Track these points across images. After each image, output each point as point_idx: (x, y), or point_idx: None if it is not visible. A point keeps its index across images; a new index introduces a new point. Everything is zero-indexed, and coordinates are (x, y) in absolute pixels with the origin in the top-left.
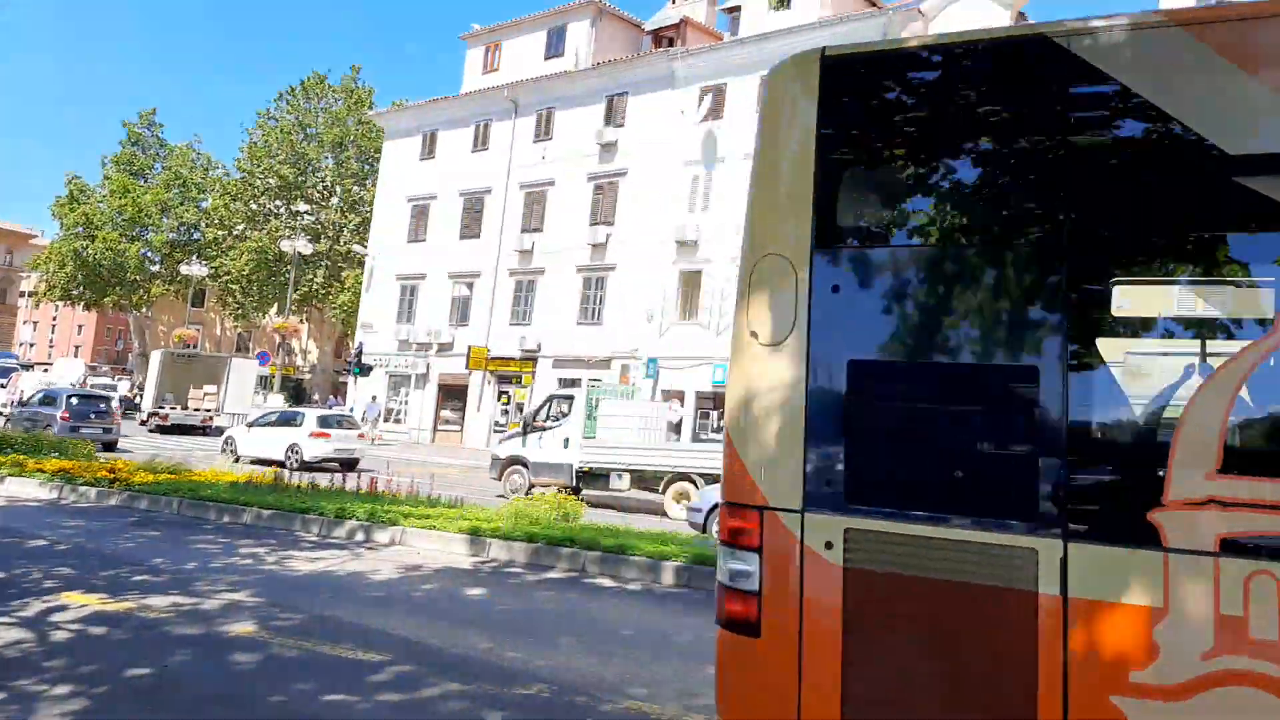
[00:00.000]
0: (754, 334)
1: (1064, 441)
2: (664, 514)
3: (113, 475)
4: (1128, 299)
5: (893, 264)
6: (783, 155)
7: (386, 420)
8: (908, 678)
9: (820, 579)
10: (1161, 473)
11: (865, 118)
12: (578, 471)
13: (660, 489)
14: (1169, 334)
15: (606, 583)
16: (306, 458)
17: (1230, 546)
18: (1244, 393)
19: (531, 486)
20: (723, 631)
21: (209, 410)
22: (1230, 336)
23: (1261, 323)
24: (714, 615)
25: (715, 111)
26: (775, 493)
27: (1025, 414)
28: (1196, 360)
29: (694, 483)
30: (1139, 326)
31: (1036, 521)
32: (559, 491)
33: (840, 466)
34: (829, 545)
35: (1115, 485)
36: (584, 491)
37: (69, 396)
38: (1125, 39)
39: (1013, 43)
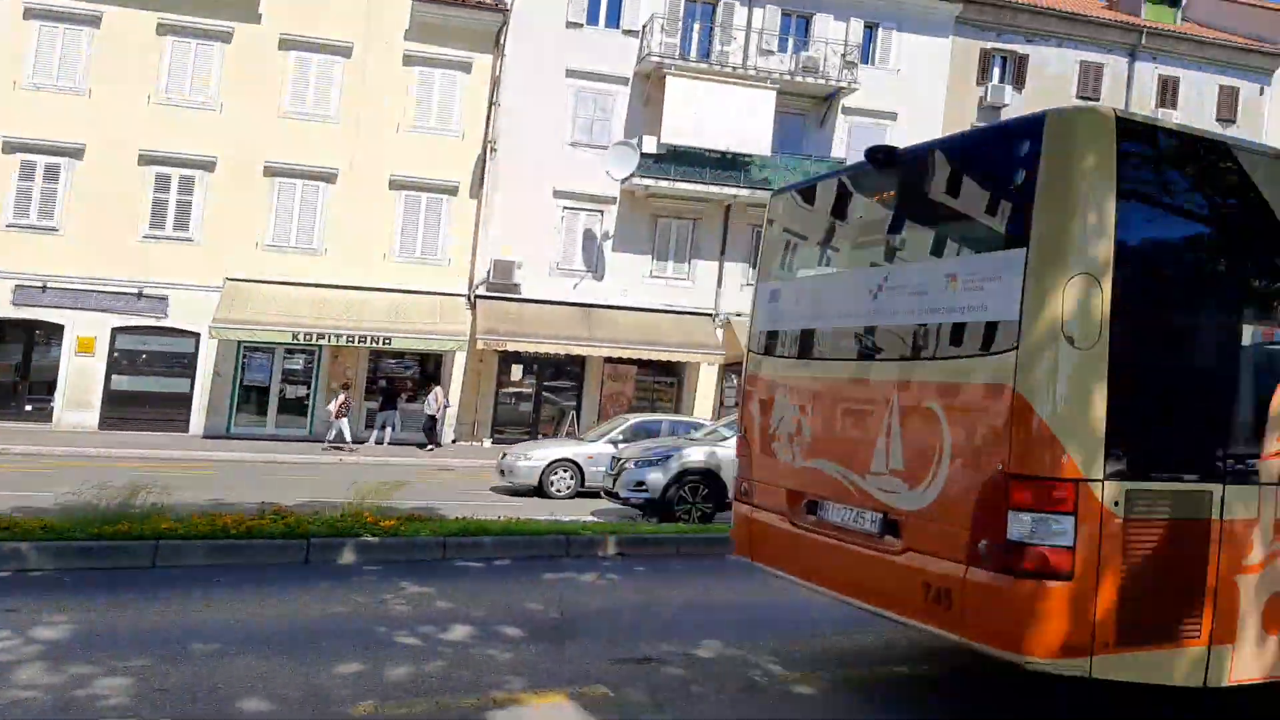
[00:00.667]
0: (1069, 339)
1: (1227, 425)
2: None
3: None
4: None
5: (1185, 286)
6: (1078, 195)
7: None
8: (1160, 590)
9: (1111, 530)
10: (1261, 439)
11: (1156, 178)
12: None
13: None
14: None
15: None
16: None
17: None
18: None
19: None
20: (1018, 580)
21: None
22: None
23: None
24: None
25: None
26: (1088, 469)
27: (1211, 412)
28: None
29: None
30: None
31: (1214, 475)
32: None
33: (1126, 448)
34: (1116, 504)
35: (1245, 450)
36: None
37: None
38: None
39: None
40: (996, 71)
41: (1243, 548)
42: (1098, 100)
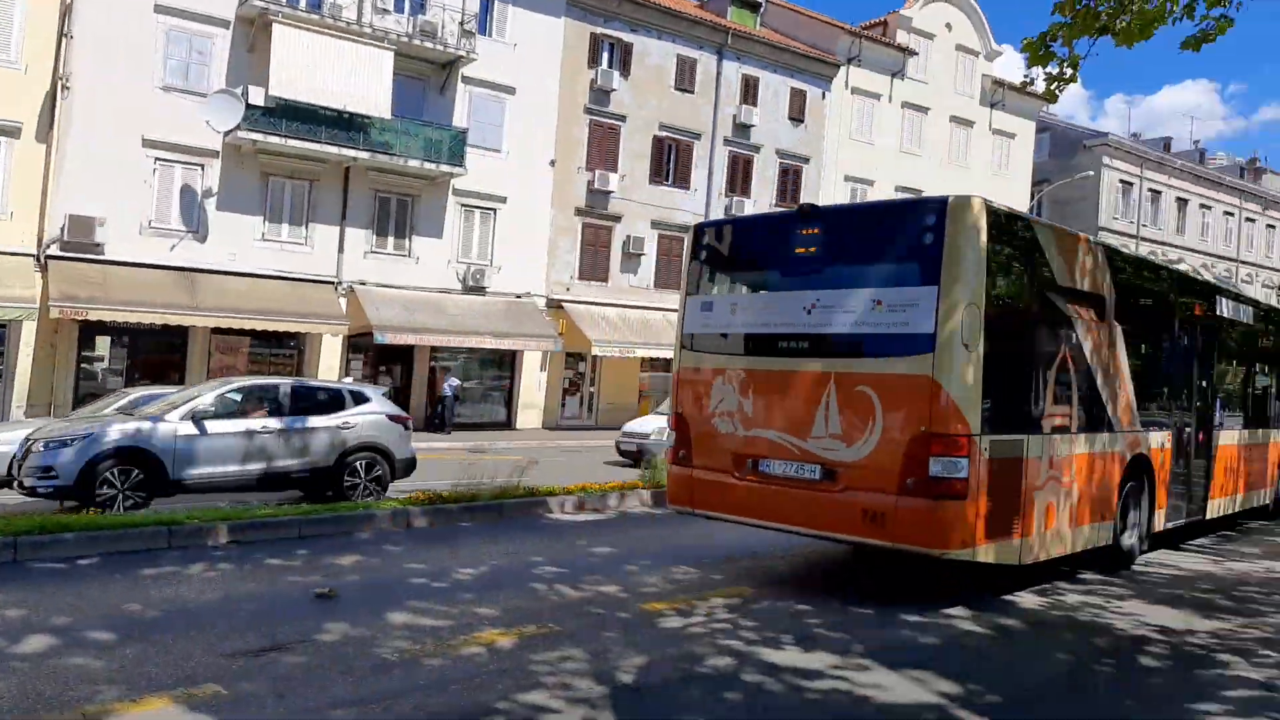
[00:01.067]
0: (965, 345)
1: (1033, 399)
2: None
3: None
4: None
5: (1019, 313)
6: (969, 255)
7: None
8: (1003, 504)
9: (984, 467)
10: (1045, 406)
11: (1005, 244)
12: None
13: None
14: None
15: None
16: None
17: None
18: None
19: None
20: (937, 501)
21: None
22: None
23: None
24: None
25: None
26: (974, 428)
27: (1025, 391)
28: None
29: None
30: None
31: (1024, 429)
32: None
33: (990, 413)
34: (984, 450)
35: (1038, 413)
36: None
37: None
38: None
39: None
40: (606, 56)
41: (1035, 475)
42: (693, 92)
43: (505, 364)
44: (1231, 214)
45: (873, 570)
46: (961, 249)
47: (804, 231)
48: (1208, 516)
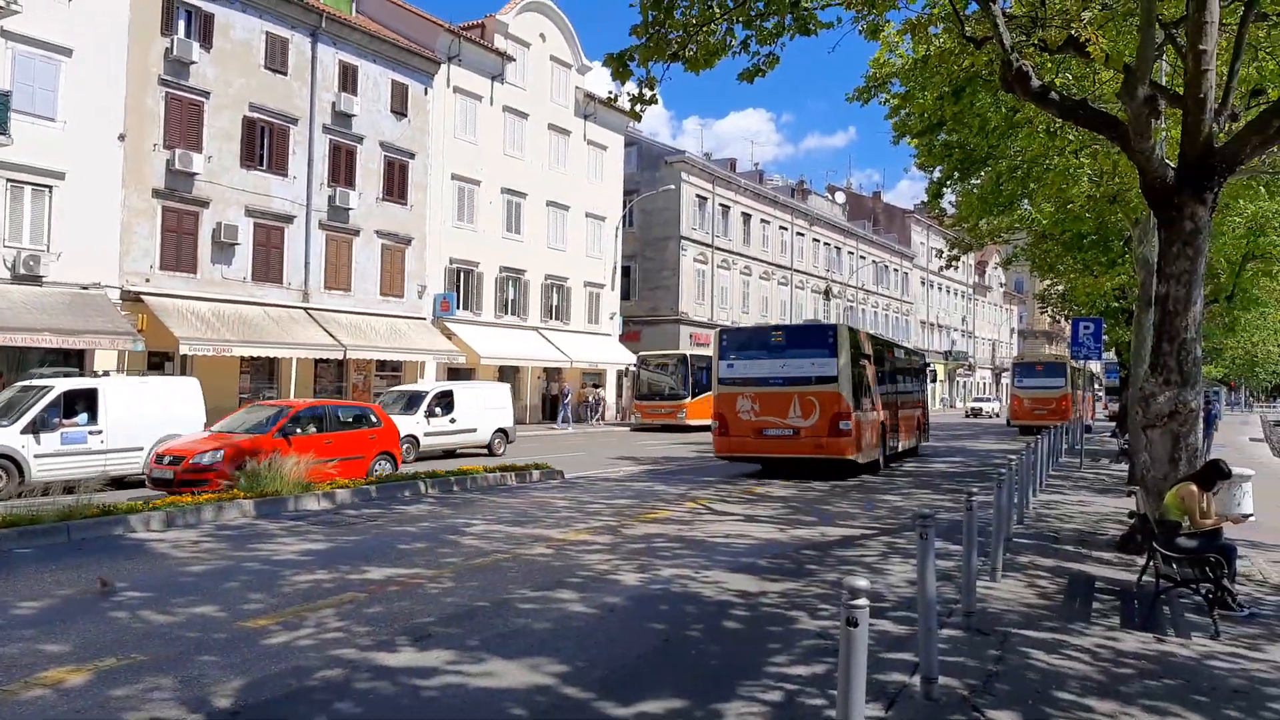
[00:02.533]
0: (846, 376)
1: (865, 390)
2: None
3: None
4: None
5: (854, 365)
6: (843, 344)
7: None
8: (863, 436)
9: (855, 420)
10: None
11: (855, 341)
12: None
13: None
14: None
15: None
16: None
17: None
18: None
19: None
20: (842, 437)
21: None
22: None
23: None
24: None
25: None
26: (851, 409)
27: (863, 391)
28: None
29: None
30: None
31: (861, 409)
32: None
33: (853, 404)
34: (854, 413)
35: (862, 401)
36: None
37: None
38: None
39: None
40: (182, 24)
41: (863, 427)
42: (286, 74)
43: (72, 365)
44: (785, 228)
45: (497, 566)
46: (840, 342)
47: (775, 335)
48: (901, 448)
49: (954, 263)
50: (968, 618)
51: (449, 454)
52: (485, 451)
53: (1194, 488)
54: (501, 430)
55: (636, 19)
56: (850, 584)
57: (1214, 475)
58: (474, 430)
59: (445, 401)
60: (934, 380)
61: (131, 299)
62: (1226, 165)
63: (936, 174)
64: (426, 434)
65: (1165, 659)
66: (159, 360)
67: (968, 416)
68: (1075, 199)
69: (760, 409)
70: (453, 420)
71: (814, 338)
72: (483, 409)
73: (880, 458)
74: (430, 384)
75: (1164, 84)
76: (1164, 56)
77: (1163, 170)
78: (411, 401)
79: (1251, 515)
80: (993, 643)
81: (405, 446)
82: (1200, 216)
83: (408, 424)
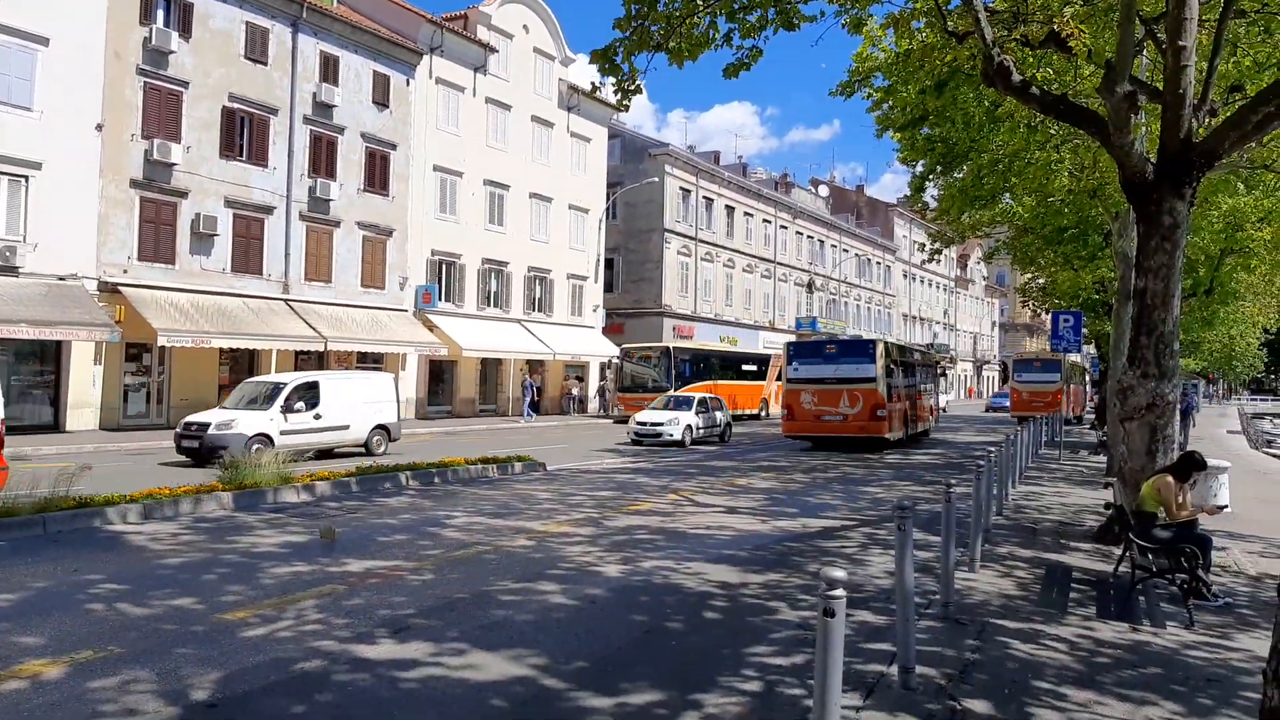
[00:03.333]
0: (882, 377)
1: (899, 385)
2: None
3: None
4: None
5: (889, 370)
6: (880, 354)
7: None
8: (896, 418)
9: (889, 408)
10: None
11: (887, 350)
12: None
13: None
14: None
15: None
16: None
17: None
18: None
19: None
20: (880, 421)
21: None
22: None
23: None
24: None
25: None
26: (886, 401)
27: (900, 389)
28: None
29: None
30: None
31: (892, 400)
32: None
33: (887, 397)
34: (890, 403)
35: (891, 395)
36: None
37: None
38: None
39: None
40: (161, 14)
41: (893, 414)
42: (266, 64)
43: (49, 357)
44: (769, 221)
45: (478, 558)
46: (877, 353)
47: (829, 347)
48: (919, 430)
49: (936, 256)
50: (946, 608)
51: (324, 455)
52: (363, 451)
53: (1170, 479)
54: (382, 427)
55: (620, 12)
56: (827, 575)
57: (1190, 467)
58: (345, 427)
59: (309, 394)
60: (944, 375)
61: (109, 290)
62: (1205, 160)
63: (919, 168)
64: (284, 432)
65: (1141, 648)
66: (137, 352)
67: (987, 411)
68: (1056, 193)
69: (818, 401)
70: (318, 416)
71: (858, 349)
72: (358, 403)
73: (904, 435)
74: (292, 375)
75: (1144, 79)
76: (1144, 52)
77: (1142, 165)
78: (271, 395)
79: (1227, 507)
80: (971, 633)
81: (256, 447)
82: (1179, 211)
83: (258, 421)
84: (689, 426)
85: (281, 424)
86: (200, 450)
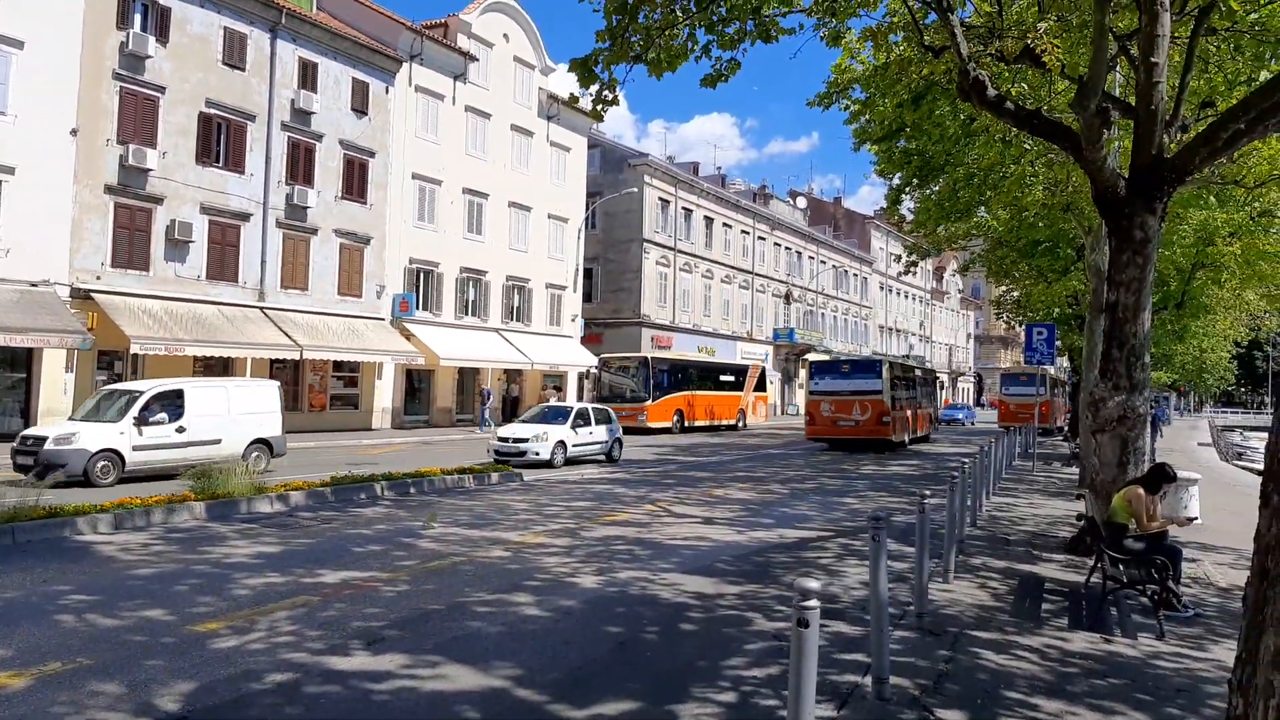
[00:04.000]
0: (888, 391)
1: (913, 394)
2: None
3: None
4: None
5: (893, 384)
6: (884, 372)
7: None
8: (902, 423)
9: (892, 413)
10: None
11: (892, 368)
12: None
13: None
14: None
15: None
16: None
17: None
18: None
19: None
20: (886, 426)
21: None
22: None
23: None
24: None
25: None
26: (890, 410)
27: (907, 398)
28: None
29: None
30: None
31: (896, 409)
32: None
33: (892, 406)
34: (892, 409)
35: (897, 404)
36: None
37: None
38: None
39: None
40: (138, 19)
41: (898, 421)
42: (244, 70)
43: (20, 363)
44: (747, 232)
45: (454, 569)
46: (883, 370)
47: (844, 366)
48: (920, 435)
49: (912, 268)
50: (920, 618)
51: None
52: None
53: (1141, 491)
54: (262, 442)
55: (600, 23)
56: (801, 585)
57: (1159, 479)
58: (216, 442)
59: (171, 404)
60: (942, 388)
61: (82, 297)
62: (1176, 175)
63: (896, 180)
64: (138, 448)
65: (1112, 659)
66: (109, 360)
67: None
68: (1030, 207)
69: (835, 410)
70: (181, 429)
71: (867, 367)
72: (234, 414)
73: (906, 439)
74: (153, 382)
75: (1117, 95)
76: (1117, 68)
77: (1114, 180)
78: (127, 405)
79: (1197, 518)
80: (944, 643)
81: (102, 465)
82: (1150, 225)
83: (105, 435)
84: (560, 444)
85: (135, 438)
86: (35, 468)
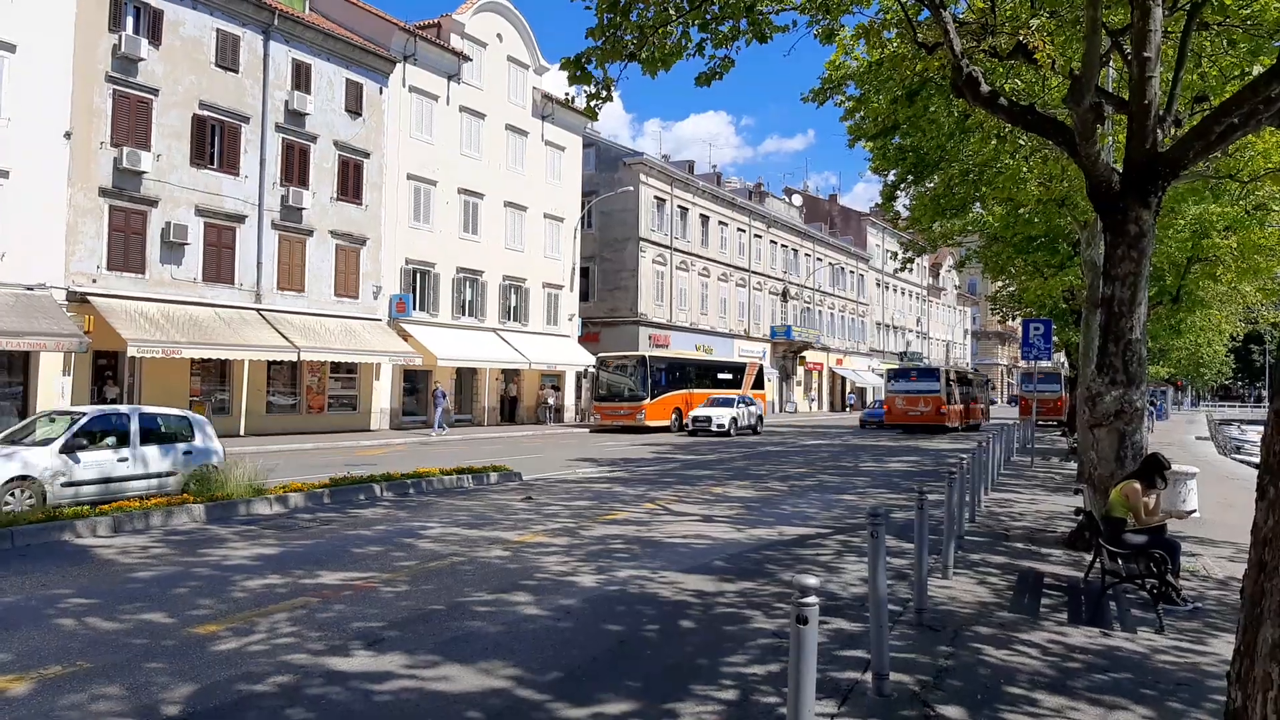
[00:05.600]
0: (948, 391)
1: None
2: None
3: None
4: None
5: (950, 384)
6: (942, 377)
7: None
8: (956, 415)
9: (949, 405)
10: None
11: (948, 370)
12: None
13: None
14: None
15: None
16: None
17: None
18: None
19: None
20: (945, 415)
21: None
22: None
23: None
24: None
25: None
26: (948, 404)
27: (969, 397)
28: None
29: None
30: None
31: (951, 402)
32: None
33: (950, 401)
34: (950, 404)
35: (955, 400)
36: None
37: None
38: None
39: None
40: (131, 21)
41: (952, 412)
42: (237, 72)
43: (16, 367)
44: (743, 230)
45: (453, 569)
46: (941, 374)
47: (912, 375)
48: (972, 423)
49: (908, 265)
50: (920, 614)
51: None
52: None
53: (1138, 485)
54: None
55: (593, 21)
56: (800, 582)
57: (1153, 469)
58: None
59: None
60: (992, 388)
61: (78, 300)
62: (1170, 170)
63: (891, 177)
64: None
65: (1112, 653)
66: (106, 362)
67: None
68: (1025, 202)
69: (906, 403)
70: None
71: (929, 373)
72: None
73: (959, 425)
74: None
75: (1110, 91)
76: (1110, 64)
77: (1108, 175)
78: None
79: (1195, 512)
80: (944, 639)
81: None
82: (1145, 220)
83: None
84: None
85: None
86: None
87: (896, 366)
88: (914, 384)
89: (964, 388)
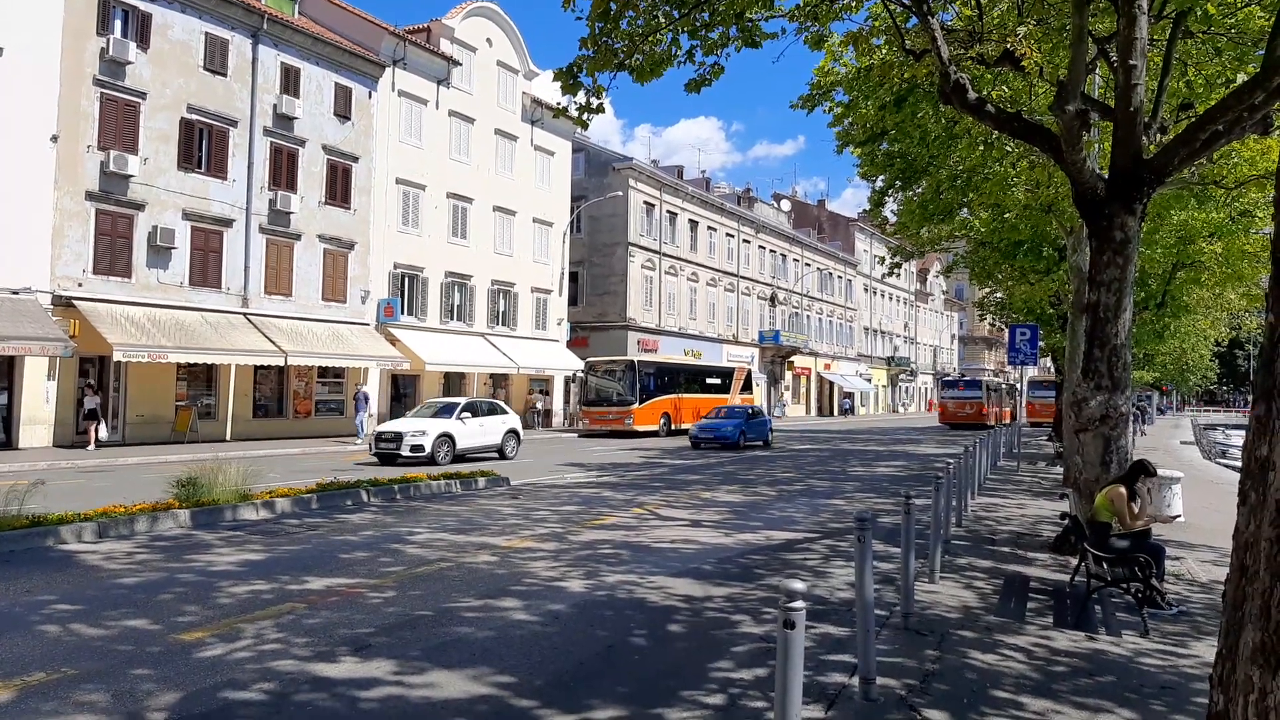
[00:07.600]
0: (941, 396)
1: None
2: None
3: None
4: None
5: (989, 395)
6: (982, 384)
7: None
8: (993, 415)
9: (990, 403)
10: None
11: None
12: None
13: None
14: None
15: None
16: None
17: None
18: None
19: None
20: (986, 414)
21: None
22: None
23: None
24: None
25: None
26: (987, 407)
27: (999, 400)
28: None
29: None
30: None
31: (990, 404)
32: None
33: (988, 402)
34: (991, 409)
35: (994, 404)
36: None
37: None
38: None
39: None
40: (119, 24)
41: (990, 413)
42: (226, 75)
43: (0, 372)
44: (732, 236)
45: (441, 574)
46: (983, 383)
47: (960, 385)
48: (1002, 423)
49: (896, 270)
50: (906, 619)
51: None
52: None
53: (1123, 489)
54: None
55: (583, 30)
56: (787, 587)
57: (1139, 475)
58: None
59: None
60: (1014, 395)
61: (63, 304)
62: (1155, 177)
63: (879, 183)
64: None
65: (1097, 657)
66: (91, 367)
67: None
68: (1012, 208)
69: (955, 407)
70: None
71: (974, 384)
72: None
73: (995, 425)
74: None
75: (1096, 97)
76: (1096, 71)
77: (1094, 181)
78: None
79: (1180, 516)
80: (930, 643)
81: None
82: (1130, 226)
83: (447, 426)
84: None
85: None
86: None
87: (949, 377)
88: (961, 392)
89: (997, 394)
